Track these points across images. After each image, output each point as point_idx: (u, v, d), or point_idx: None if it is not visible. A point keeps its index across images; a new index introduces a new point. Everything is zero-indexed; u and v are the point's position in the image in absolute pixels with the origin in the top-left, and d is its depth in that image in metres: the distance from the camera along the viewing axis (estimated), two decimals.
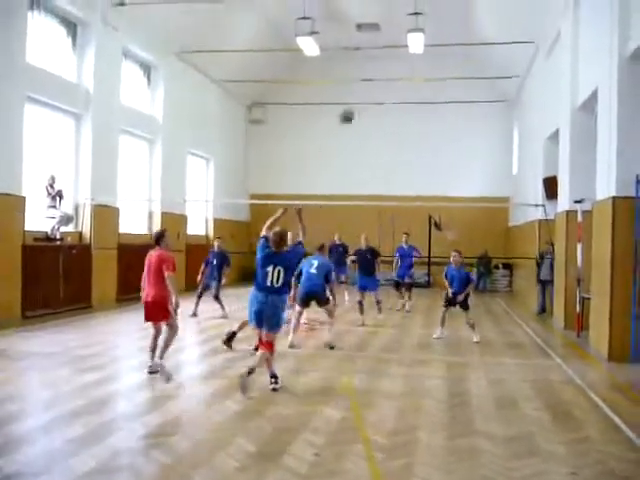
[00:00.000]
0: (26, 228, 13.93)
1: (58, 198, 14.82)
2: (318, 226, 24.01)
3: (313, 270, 11.17)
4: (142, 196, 19.82)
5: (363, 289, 14.34)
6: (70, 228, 15.74)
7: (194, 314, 14.68)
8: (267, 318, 7.82)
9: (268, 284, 7.80)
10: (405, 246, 17.00)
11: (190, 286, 20.69)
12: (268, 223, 8.13)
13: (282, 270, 7.83)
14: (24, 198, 13.82)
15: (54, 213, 14.78)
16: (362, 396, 7.85)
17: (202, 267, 14.94)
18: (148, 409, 7.08)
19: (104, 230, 16.59)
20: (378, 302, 14.87)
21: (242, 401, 7.37)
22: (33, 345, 10.89)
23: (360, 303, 14.16)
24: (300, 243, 11.44)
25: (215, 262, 14.86)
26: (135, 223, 19.24)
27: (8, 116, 13.41)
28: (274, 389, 7.88)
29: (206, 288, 14.92)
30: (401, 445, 5.99)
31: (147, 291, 8.62)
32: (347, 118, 18.17)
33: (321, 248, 11.87)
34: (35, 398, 7.71)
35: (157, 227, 19.66)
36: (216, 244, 15.35)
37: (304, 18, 19.65)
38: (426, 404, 7.49)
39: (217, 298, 14.87)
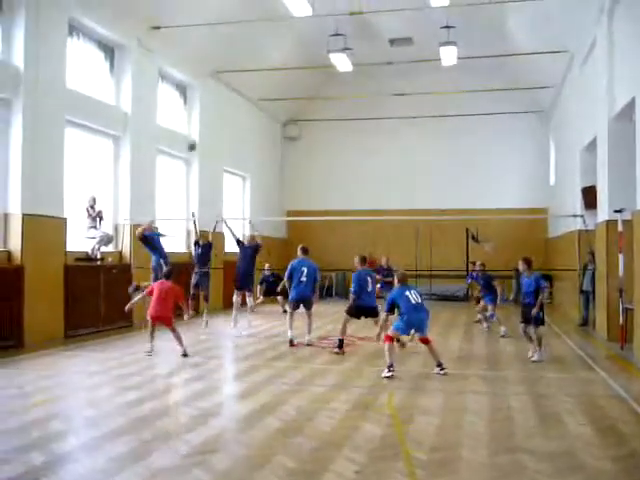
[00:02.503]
0: (67, 249, 14.20)
1: (98, 219, 15.11)
2: (353, 242, 24.22)
3: (303, 278, 12.95)
4: (180, 215, 20.04)
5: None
6: (110, 248, 15.99)
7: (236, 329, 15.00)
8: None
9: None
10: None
11: (227, 304, 20.92)
12: None
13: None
14: (65, 219, 14.10)
15: (94, 233, 15.06)
16: (403, 411, 7.81)
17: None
18: (189, 427, 7.12)
19: (143, 249, 16.76)
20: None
21: (283, 418, 7.39)
22: (75, 364, 11.08)
23: None
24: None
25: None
26: (174, 242, 19.43)
27: (49, 140, 13.72)
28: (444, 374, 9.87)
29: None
30: (443, 462, 5.93)
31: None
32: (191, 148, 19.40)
33: (305, 251, 13.36)
34: (78, 417, 7.81)
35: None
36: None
37: (336, 35, 19.82)
38: (467, 420, 7.41)
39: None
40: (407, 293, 10.23)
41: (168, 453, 6.20)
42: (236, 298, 15.21)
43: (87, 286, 14.67)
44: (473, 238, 23.31)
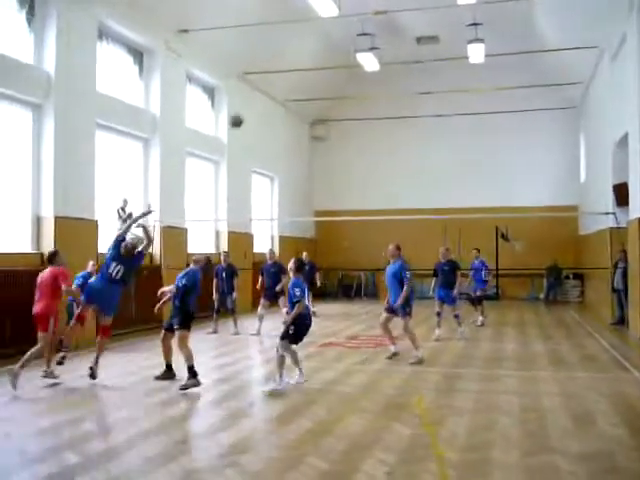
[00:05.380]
0: (99, 251, 14.36)
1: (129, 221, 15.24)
2: (381, 241, 24.11)
3: None
4: (209, 216, 20.20)
5: (442, 300, 14.14)
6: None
7: (214, 331, 15.14)
8: None
9: None
10: (476, 261, 16.79)
11: (257, 303, 21.00)
12: None
13: None
14: (97, 222, 14.28)
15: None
16: (433, 412, 7.79)
17: (215, 282, 15.27)
18: (221, 427, 7.18)
19: (173, 251, 16.94)
20: (456, 316, 14.20)
21: (313, 418, 7.42)
22: (108, 365, 11.18)
23: (438, 314, 14.09)
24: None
25: (225, 276, 15.21)
26: (203, 243, 19.60)
27: (80, 143, 13.90)
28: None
29: (222, 304, 15.31)
30: (475, 463, 5.90)
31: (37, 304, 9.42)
32: (236, 124, 17.26)
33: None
34: (111, 417, 7.92)
35: (224, 246, 20.03)
36: (222, 258, 15.67)
37: (363, 34, 19.81)
38: (499, 420, 7.36)
39: (233, 312, 15.33)
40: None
41: (200, 454, 6.27)
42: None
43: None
44: (503, 237, 23.15)
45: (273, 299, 15.15)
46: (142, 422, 7.35)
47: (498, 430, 6.97)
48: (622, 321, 16.15)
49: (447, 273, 14.02)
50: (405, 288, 10.90)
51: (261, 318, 14.93)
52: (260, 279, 15.54)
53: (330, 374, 10.16)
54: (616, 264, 16.33)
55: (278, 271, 14.99)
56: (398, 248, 11.37)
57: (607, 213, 16.88)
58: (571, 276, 25.07)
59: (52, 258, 9.72)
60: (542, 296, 24.69)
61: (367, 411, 7.80)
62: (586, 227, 22.83)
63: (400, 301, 10.90)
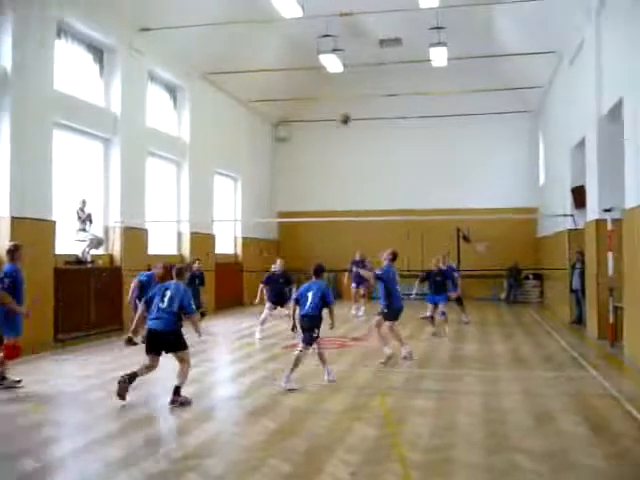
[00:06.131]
0: (57, 252, 14.12)
1: (88, 222, 15.02)
2: (343, 242, 24.20)
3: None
4: (171, 217, 20.00)
5: (434, 304, 15.26)
6: (100, 251, 15.92)
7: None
8: None
9: None
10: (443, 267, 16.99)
11: (219, 305, 20.89)
12: None
13: None
14: (54, 222, 14.03)
15: (84, 236, 14.97)
16: (396, 412, 7.82)
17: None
18: (184, 431, 7.11)
19: (134, 252, 16.73)
20: (443, 313, 15.37)
21: (277, 420, 7.39)
22: (66, 368, 11.02)
23: (432, 318, 15.18)
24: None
25: (197, 282, 15.17)
26: (164, 244, 19.40)
27: (37, 142, 13.61)
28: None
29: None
30: (438, 463, 5.94)
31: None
32: (345, 121, 17.92)
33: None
34: (71, 422, 7.77)
35: (186, 248, 19.88)
36: (196, 266, 15.56)
37: (327, 36, 19.82)
38: (461, 420, 7.43)
39: (203, 315, 15.06)
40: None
41: (162, 457, 6.18)
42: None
43: (77, 289, 14.59)
44: (465, 238, 23.38)
45: (279, 304, 14.82)
46: (103, 426, 7.23)
47: (461, 430, 7.03)
48: (580, 320, 16.45)
49: (439, 282, 15.37)
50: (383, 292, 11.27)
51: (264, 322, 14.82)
52: (262, 288, 15.04)
53: (294, 375, 10.11)
54: (574, 265, 16.63)
55: (286, 281, 14.97)
56: (391, 254, 11.57)
57: (565, 215, 17.17)
58: (531, 277, 25.45)
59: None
60: (503, 296, 25.02)
61: (331, 412, 7.80)
62: (545, 229, 23.20)
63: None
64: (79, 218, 14.93)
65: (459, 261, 22.66)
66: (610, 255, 12.96)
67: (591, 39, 14.43)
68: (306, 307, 9.35)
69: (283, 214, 27.38)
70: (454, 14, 19.06)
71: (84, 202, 15.02)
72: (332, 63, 21.18)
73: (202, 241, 20.50)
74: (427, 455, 6.15)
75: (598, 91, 13.99)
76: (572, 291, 16.84)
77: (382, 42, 23.32)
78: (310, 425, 7.22)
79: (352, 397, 8.64)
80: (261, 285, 15.11)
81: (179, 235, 20.28)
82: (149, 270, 14.54)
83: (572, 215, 16.55)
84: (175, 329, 8.40)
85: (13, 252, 9.27)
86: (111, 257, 16.42)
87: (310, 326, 9.28)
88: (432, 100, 24.80)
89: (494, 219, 23.21)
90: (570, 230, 17.05)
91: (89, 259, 15.13)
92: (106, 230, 16.49)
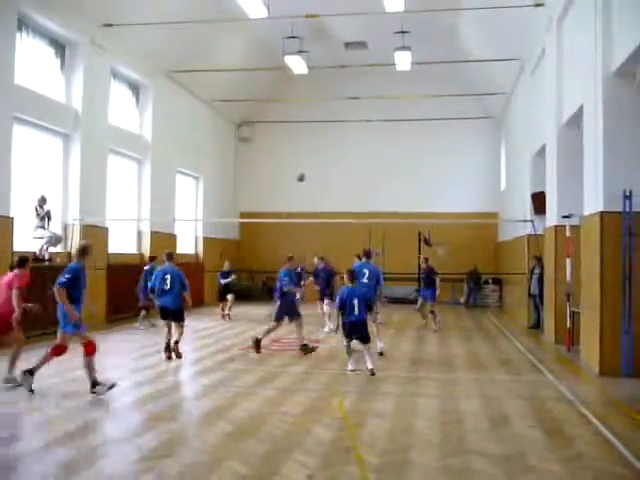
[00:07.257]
0: (14, 249, 13.84)
1: (47, 219, 14.75)
2: (305, 244, 24.17)
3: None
4: (131, 216, 19.76)
5: (424, 298, 17.01)
6: (59, 249, 15.65)
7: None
8: None
9: None
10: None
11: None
12: None
13: None
14: (12, 219, 13.75)
15: (43, 234, 14.70)
16: (354, 415, 7.82)
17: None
18: (140, 431, 7.01)
19: (93, 250, 16.39)
20: (432, 312, 16.72)
21: (234, 421, 7.34)
22: (26, 367, 10.76)
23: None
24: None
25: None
26: (124, 243, 19.16)
27: None
28: None
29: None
30: (395, 465, 5.96)
31: None
32: (300, 179, 18.60)
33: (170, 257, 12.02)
34: (24, 423, 7.62)
35: (147, 247, 19.65)
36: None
37: (292, 37, 19.83)
38: (418, 423, 7.46)
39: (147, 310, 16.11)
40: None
41: (119, 458, 6.10)
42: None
43: (34, 287, 14.28)
44: (425, 242, 23.53)
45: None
46: (58, 427, 7.09)
47: (418, 433, 7.06)
48: (538, 325, 16.69)
49: (426, 279, 17.31)
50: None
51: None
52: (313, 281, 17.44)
53: (252, 377, 10.09)
54: (532, 270, 16.87)
55: (329, 274, 16.88)
56: (365, 253, 12.99)
57: (525, 221, 17.41)
58: (490, 281, 25.74)
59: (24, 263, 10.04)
60: (463, 300, 25.24)
61: (288, 414, 7.77)
62: (505, 234, 23.50)
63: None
64: (37, 215, 14.65)
65: (419, 265, 22.82)
66: (568, 261, 13.17)
67: (552, 47, 14.67)
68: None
69: (245, 214, 27.27)
70: (419, 19, 19.22)
71: (43, 199, 14.75)
72: (297, 64, 21.20)
73: (163, 240, 20.27)
74: (384, 457, 6.16)
75: (559, 99, 14.25)
76: (530, 296, 17.08)
77: (347, 45, 23.43)
78: (268, 427, 7.18)
79: (310, 400, 8.62)
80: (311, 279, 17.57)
81: (139, 234, 20.05)
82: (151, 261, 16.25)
83: (532, 221, 16.78)
84: (179, 306, 11.37)
85: (82, 251, 9.71)
86: (69, 255, 16.13)
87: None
88: (396, 104, 24.97)
89: (455, 223, 23.43)
90: (529, 235, 17.30)
91: (47, 257, 14.86)
92: (65, 227, 16.23)
